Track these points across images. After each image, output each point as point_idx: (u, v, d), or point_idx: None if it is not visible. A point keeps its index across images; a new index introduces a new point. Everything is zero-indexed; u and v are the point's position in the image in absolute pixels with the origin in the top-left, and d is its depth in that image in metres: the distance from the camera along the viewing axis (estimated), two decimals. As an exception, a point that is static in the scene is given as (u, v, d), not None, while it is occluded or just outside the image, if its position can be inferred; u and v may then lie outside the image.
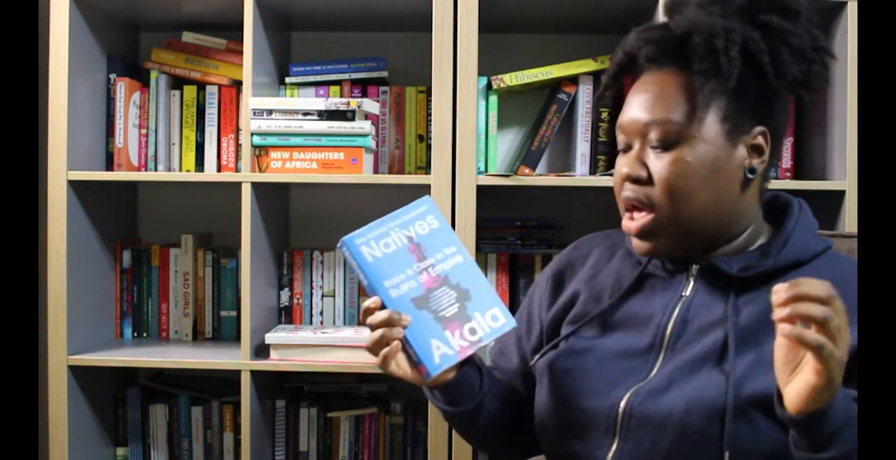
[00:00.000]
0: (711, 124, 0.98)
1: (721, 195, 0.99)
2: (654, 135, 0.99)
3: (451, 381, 1.04)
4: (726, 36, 0.96)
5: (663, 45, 1.00)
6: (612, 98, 1.77)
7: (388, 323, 0.96)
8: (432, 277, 1.00)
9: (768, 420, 0.91)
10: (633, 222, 1.01)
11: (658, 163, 0.98)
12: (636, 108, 1.01)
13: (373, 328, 0.98)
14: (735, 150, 0.99)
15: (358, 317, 1.88)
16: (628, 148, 1.03)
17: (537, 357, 1.10)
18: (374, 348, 0.98)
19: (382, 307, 0.99)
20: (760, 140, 1.01)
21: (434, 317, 0.99)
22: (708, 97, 0.97)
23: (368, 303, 0.99)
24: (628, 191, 1.01)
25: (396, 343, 0.97)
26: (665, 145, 0.98)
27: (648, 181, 0.99)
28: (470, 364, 1.07)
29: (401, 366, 1.00)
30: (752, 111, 0.99)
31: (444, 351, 0.98)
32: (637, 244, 1.03)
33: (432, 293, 1.00)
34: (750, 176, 1.00)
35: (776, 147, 1.03)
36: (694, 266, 1.04)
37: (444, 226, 1.03)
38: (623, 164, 1.02)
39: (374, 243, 1.01)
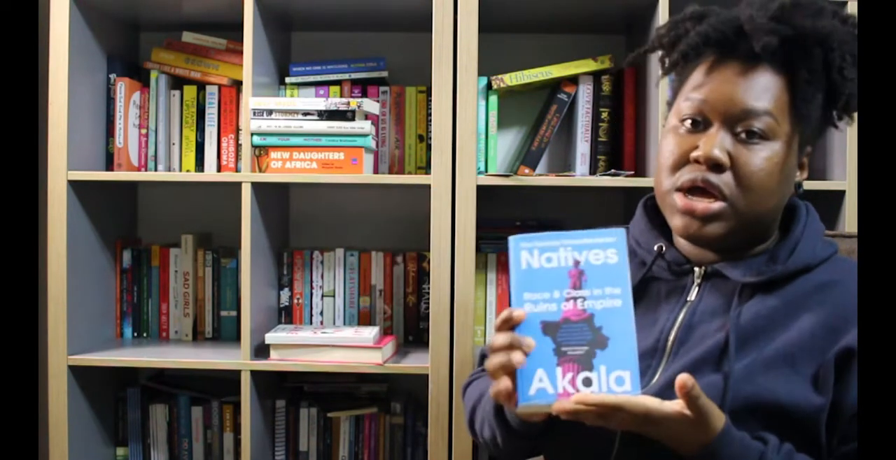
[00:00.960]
0: (797, 132, 0.96)
1: (781, 202, 0.99)
2: (749, 124, 0.94)
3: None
4: (843, 50, 0.93)
5: (773, 41, 0.93)
6: (612, 95, 1.77)
7: (510, 347, 0.88)
8: (577, 310, 0.91)
9: (763, 422, 0.91)
10: (698, 204, 0.96)
11: (747, 155, 0.94)
12: (729, 89, 0.95)
13: (494, 349, 0.90)
14: (798, 162, 1.00)
15: (358, 318, 1.88)
16: (701, 124, 0.97)
17: None
18: (493, 372, 0.90)
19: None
20: (806, 159, 1.02)
21: (555, 348, 0.89)
22: (809, 108, 0.94)
23: (508, 312, 0.90)
24: (701, 173, 0.95)
25: (505, 378, 0.88)
26: (755, 137, 0.94)
27: (726, 170, 0.94)
28: None
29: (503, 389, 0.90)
30: (815, 132, 1.00)
31: (543, 386, 0.88)
32: (686, 224, 0.97)
33: (567, 325, 0.90)
34: (799, 190, 1.02)
35: None
36: (698, 269, 1.03)
37: (622, 265, 0.92)
38: (700, 143, 0.96)
39: (537, 252, 0.93)
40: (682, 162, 0.98)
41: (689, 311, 1.01)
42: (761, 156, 0.94)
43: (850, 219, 1.61)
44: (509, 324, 0.89)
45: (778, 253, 1.00)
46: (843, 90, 0.95)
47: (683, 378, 0.82)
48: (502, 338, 0.88)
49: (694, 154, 0.96)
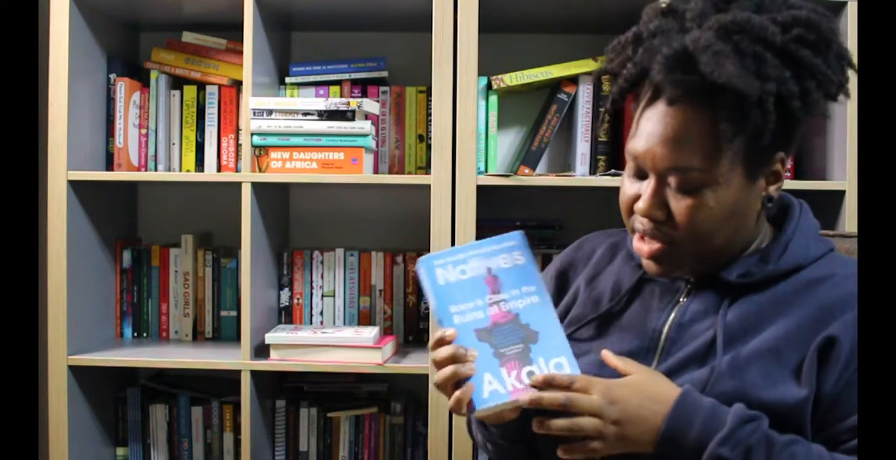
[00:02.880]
0: (734, 168, 0.94)
1: (739, 230, 0.99)
2: (674, 181, 0.94)
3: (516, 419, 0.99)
4: (761, 92, 0.88)
5: (691, 87, 0.90)
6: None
7: (454, 359, 0.92)
8: (502, 312, 0.97)
9: None
10: (645, 246, 0.99)
11: (680, 205, 0.95)
12: (655, 142, 0.94)
13: (438, 364, 0.94)
14: (755, 185, 0.97)
15: (358, 318, 1.88)
16: (641, 175, 0.99)
17: None
18: (442, 384, 0.94)
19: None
20: (778, 166, 0.99)
21: (494, 351, 0.94)
22: (736, 146, 0.92)
23: (441, 333, 0.94)
24: (642, 224, 0.98)
25: (470, 383, 0.92)
26: (692, 188, 0.94)
27: (666, 220, 0.96)
28: None
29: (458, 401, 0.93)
30: (773, 144, 0.95)
31: (494, 388, 0.92)
32: (646, 264, 1.01)
33: (498, 328, 0.96)
34: (769, 205, 1.00)
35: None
36: None
37: (529, 265, 1.00)
38: (639, 198, 0.97)
39: (450, 267, 0.98)
40: (630, 209, 1.00)
41: (681, 311, 1.02)
42: (698, 205, 0.94)
43: (850, 219, 1.61)
44: (443, 343, 0.94)
45: (770, 252, 1.01)
46: (766, 126, 0.90)
47: (604, 352, 0.96)
48: (445, 352, 0.93)
49: (636, 207, 0.98)
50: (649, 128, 0.95)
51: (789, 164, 1.77)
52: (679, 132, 0.93)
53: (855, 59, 0.98)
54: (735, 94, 0.88)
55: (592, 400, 0.90)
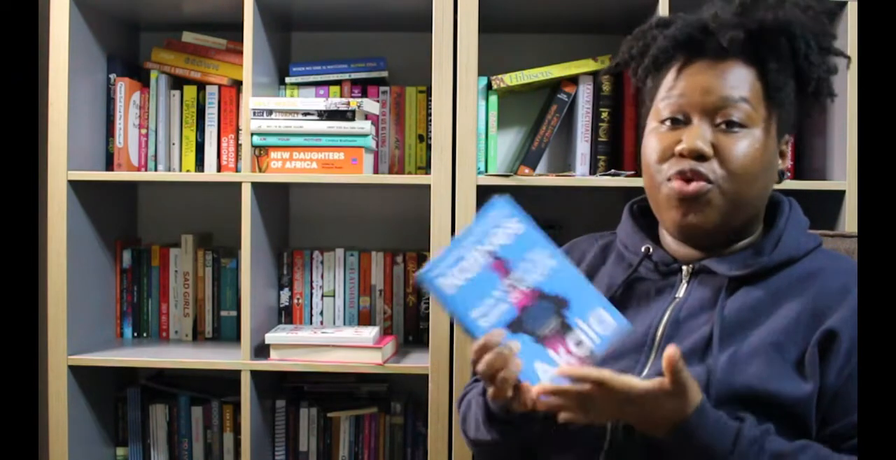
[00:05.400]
0: (773, 121, 0.99)
1: (766, 189, 1.02)
2: (728, 113, 0.97)
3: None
4: (809, 39, 0.97)
5: (747, 34, 0.97)
6: (612, 95, 1.77)
7: (499, 363, 0.87)
8: (524, 293, 0.90)
9: (752, 412, 0.92)
10: (690, 185, 0.97)
11: (729, 142, 0.97)
12: (705, 84, 0.98)
13: (484, 375, 0.89)
14: (777, 150, 1.02)
15: (358, 318, 1.88)
16: (682, 121, 1.00)
17: None
18: (500, 394, 0.89)
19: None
20: (785, 147, 1.04)
21: (533, 338, 0.89)
22: (781, 95, 0.98)
23: (476, 344, 0.89)
24: (685, 163, 0.97)
25: (524, 385, 0.88)
26: (734, 127, 0.97)
27: (710, 159, 0.97)
28: None
29: (524, 400, 0.90)
30: (791, 118, 1.03)
31: (552, 373, 0.87)
32: (681, 214, 0.99)
33: (527, 312, 0.90)
34: (782, 178, 1.03)
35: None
36: (686, 268, 1.05)
37: (529, 228, 0.92)
38: (683, 137, 0.98)
39: (451, 272, 0.91)
40: (667, 156, 1.00)
41: (677, 307, 1.02)
42: (743, 143, 0.97)
43: (850, 219, 1.61)
44: (484, 351, 0.89)
45: (763, 246, 1.02)
46: (811, 75, 0.99)
47: (671, 350, 0.84)
48: (486, 361, 0.88)
49: (678, 148, 0.98)
50: (692, 80, 0.99)
51: (790, 164, 1.77)
52: (727, 75, 0.98)
53: (854, 59, 1.01)
54: (787, 40, 0.96)
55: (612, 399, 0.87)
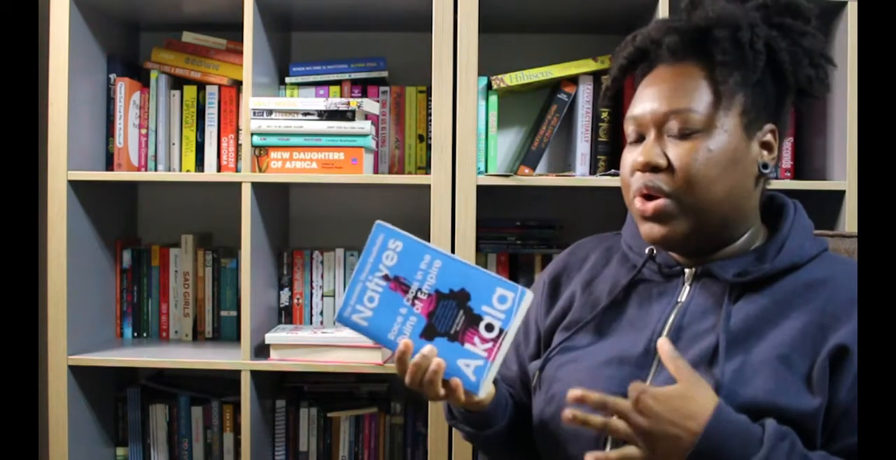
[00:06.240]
0: (731, 116, 0.98)
1: (737, 187, 0.99)
2: (674, 124, 0.98)
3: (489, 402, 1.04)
4: (752, 30, 0.98)
5: (686, 36, 1.00)
6: (612, 96, 1.77)
7: (420, 368, 0.96)
8: (426, 301, 0.97)
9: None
10: (649, 204, 0.99)
11: (679, 151, 0.98)
12: (653, 98, 1.00)
13: (411, 382, 0.98)
14: (751, 144, 1.00)
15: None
16: (640, 139, 1.02)
17: (534, 368, 1.09)
18: (434, 395, 0.98)
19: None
20: (770, 137, 1.02)
21: (448, 338, 0.95)
22: (731, 89, 0.98)
23: (400, 353, 0.98)
24: (644, 179, 0.99)
25: (454, 380, 0.96)
26: (686, 134, 0.98)
27: (666, 169, 0.98)
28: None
29: (456, 396, 0.98)
30: (765, 108, 1.01)
31: (475, 366, 0.94)
32: (648, 229, 1.01)
33: (434, 316, 0.96)
34: (764, 171, 1.01)
35: (779, 147, 1.04)
36: (689, 271, 1.04)
37: (409, 242, 0.99)
38: (637, 153, 1.01)
39: (359, 306, 0.99)
40: (632, 173, 1.02)
41: (680, 312, 1.01)
42: (696, 148, 0.97)
43: (850, 219, 1.61)
44: (403, 361, 0.97)
45: (766, 251, 1.01)
46: (757, 64, 0.98)
47: (662, 341, 0.87)
48: (411, 370, 0.97)
49: (635, 162, 1.01)
50: (648, 90, 1.02)
51: (789, 164, 1.77)
52: (677, 82, 1.00)
53: (854, 59, 1.01)
54: (727, 33, 0.97)
55: (624, 404, 0.89)
